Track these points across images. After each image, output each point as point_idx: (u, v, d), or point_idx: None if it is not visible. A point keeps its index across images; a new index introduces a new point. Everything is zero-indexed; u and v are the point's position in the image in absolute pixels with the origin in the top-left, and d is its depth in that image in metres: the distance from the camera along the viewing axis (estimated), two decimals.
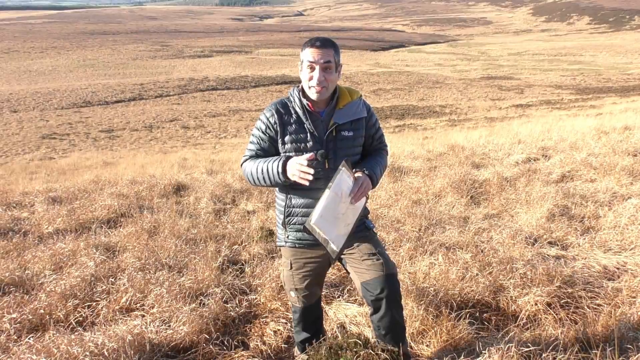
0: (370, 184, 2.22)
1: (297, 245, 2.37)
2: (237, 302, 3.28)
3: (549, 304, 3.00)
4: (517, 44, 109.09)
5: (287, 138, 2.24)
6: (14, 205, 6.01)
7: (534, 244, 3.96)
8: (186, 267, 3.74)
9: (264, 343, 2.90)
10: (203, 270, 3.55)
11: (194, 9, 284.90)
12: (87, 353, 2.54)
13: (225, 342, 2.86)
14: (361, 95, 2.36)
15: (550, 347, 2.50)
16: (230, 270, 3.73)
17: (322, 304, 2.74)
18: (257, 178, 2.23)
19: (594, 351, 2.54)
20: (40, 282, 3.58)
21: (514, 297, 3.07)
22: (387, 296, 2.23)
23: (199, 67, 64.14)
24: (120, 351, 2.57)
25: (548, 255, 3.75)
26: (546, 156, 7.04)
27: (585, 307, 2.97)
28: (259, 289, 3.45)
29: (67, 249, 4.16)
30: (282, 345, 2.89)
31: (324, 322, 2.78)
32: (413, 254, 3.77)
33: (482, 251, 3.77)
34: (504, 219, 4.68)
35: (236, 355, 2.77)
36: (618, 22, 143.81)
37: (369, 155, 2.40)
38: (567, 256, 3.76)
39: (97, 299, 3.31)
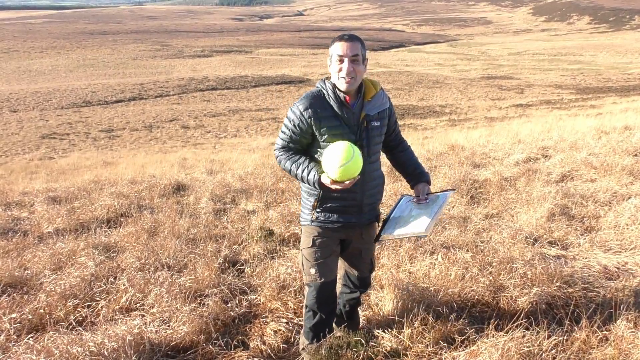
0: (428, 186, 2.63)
1: (323, 225, 2.52)
2: (237, 302, 3.28)
3: (549, 304, 3.00)
4: (517, 43, 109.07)
5: (323, 130, 2.36)
6: (14, 204, 6.01)
7: (534, 244, 3.95)
8: (186, 267, 3.74)
9: (264, 343, 2.90)
10: (203, 270, 3.55)
11: (194, 9, 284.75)
12: (87, 353, 2.54)
13: (225, 342, 2.86)
14: (382, 87, 2.50)
15: (551, 347, 2.50)
16: (230, 270, 3.73)
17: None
18: (293, 175, 2.42)
19: (594, 350, 2.54)
20: (40, 281, 3.58)
21: (514, 297, 3.07)
22: (365, 288, 2.84)
23: (199, 66, 64.11)
24: (120, 351, 2.57)
25: (548, 255, 3.75)
26: (546, 156, 7.04)
27: (586, 306, 2.97)
28: (259, 288, 3.44)
29: (66, 248, 4.16)
30: (282, 345, 2.88)
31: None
32: (413, 254, 3.76)
33: (482, 251, 3.77)
34: (504, 218, 4.68)
35: (236, 355, 2.77)
36: (618, 22, 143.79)
37: (403, 154, 2.70)
38: (567, 256, 3.76)
39: (97, 298, 3.31)
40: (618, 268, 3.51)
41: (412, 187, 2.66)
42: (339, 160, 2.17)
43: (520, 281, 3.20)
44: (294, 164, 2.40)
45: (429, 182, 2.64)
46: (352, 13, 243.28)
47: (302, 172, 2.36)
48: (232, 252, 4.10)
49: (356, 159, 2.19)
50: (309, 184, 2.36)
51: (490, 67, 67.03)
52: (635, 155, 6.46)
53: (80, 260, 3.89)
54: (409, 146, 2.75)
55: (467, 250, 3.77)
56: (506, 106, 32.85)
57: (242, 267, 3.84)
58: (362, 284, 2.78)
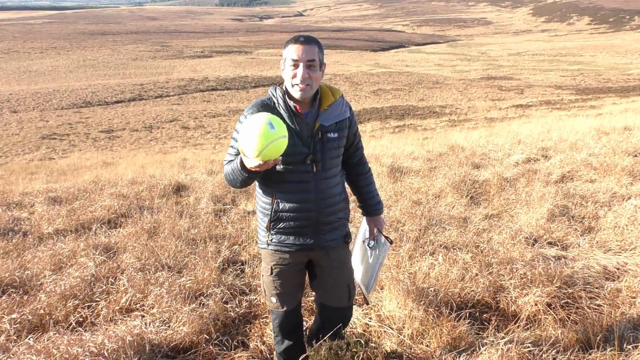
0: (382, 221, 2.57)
1: (279, 249, 2.31)
2: (237, 302, 3.28)
3: (549, 305, 3.00)
4: (517, 44, 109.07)
5: None
6: (14, 205, 6.01)
7: (534, 245, 3.96)
8: (186, 267, 3.74)
9: (264, 343, 2.90)
10: (203, 271, 3.55)
11: (194, 9, 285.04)
12: (87, 353, 2.54)
13: (225, 343, 2.87)
14: (342, 94, 2.30)
15: (551, 348, 2.50)
16: (230, 270, 3.73)
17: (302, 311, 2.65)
18: (231, 179, 2.19)
19: (594, 351, 2.54)
20: (40, 282, 3.58)
21: (514, 298, 3.07)
22: (340, 323, 2.47)
23: (199, 67, 64.09)
24: (120, 351, 2.57)
25: (548, 255, 3.75)
26: (546, 156, 7.04)
27: (585, 307, 2.97)
28: (258, 289, 3.45)
29: (67, 249, 4.16)
30: None
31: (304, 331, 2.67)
32: (413, 254, 3.77)
33: (482, 251, 3.77)
34: (503, 219, 4.68)
35: (236, 356, 2.77)
36: (618, 23, 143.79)
37: (360, 179, 2.49)
38: (567, 256, 3.76)
39: (97, 299, 3.31)
40: (618, 268, 3.51)
41: (364, 215, 2.56)
42: (255, 145, 1.91)
43: (520, 282, 3.20)
44: (229, 165, 2.18)
45: (380, 212, 2.53)
46: (352, 13, 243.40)
47: (234, 166, 2.11)
48: (232, 252, 4.10)
49: (276, 142, 1.92)
50: (240, 174, 2.08)
51: (490, 67, 67.02)
52: (635, 155, 6.46)
53: (80, 260, 3.89)
54: (370, 171, 2.53)
55: (467, 250, 3.77)
56: (506, 107, 32.84)
57: (242, 267, 3.84)
58: (339, 316, 2.47)
